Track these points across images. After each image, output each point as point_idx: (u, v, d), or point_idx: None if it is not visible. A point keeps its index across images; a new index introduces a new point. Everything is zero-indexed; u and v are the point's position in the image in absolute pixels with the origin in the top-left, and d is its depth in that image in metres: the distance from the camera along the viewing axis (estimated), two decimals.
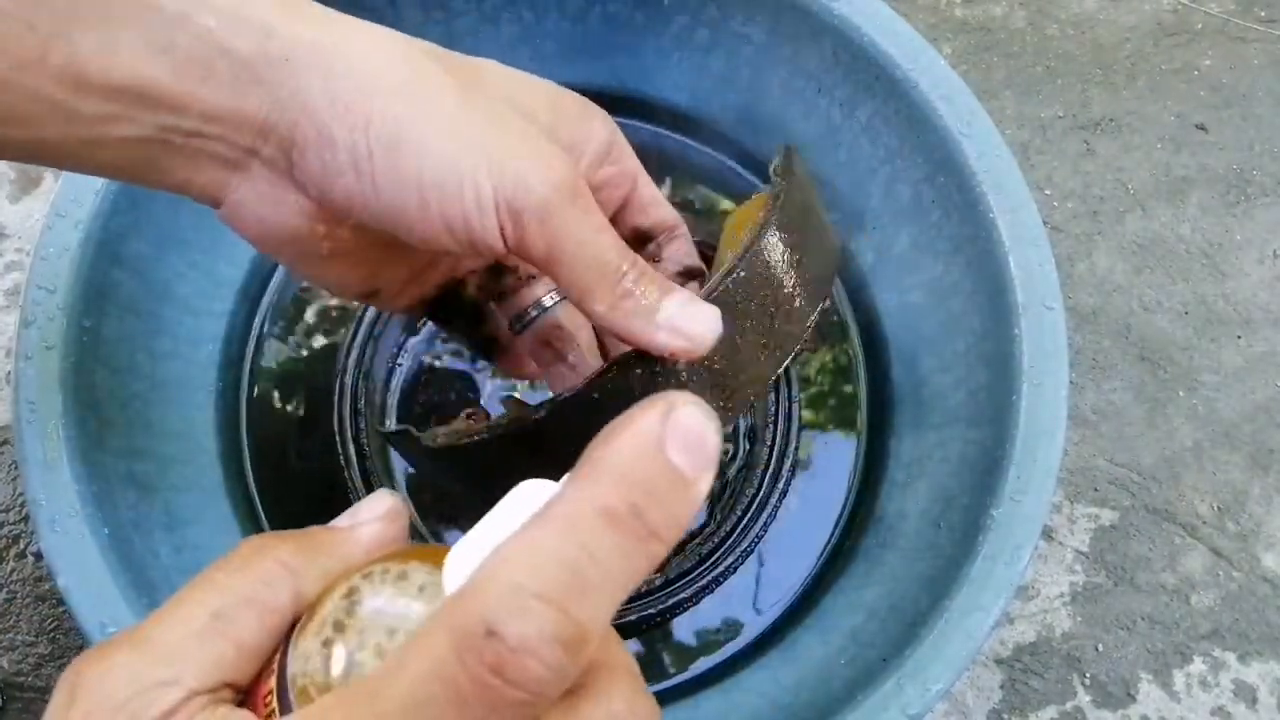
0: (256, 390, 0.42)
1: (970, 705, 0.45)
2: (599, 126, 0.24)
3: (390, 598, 0.15)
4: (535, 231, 0.20)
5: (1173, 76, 0.58)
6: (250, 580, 0.15)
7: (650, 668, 0.39)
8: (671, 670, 0.39)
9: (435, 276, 0.27)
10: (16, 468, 0.46)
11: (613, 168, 0.25)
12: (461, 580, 0.14)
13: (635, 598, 0.38)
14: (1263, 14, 0.60)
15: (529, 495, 0.15)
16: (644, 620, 0.38)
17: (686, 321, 0.21)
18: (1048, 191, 0.55)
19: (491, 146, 0.20)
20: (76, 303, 0.34)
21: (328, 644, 0.14)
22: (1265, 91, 0.58)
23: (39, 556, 0.45)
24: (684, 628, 0.40)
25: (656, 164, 0.47)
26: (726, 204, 0.47)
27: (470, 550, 0.15)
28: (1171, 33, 0.59)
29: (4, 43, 0.17)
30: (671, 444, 0.13)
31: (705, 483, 0.13)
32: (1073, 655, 0.46)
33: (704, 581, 0.38)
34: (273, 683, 0.14)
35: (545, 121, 0.22)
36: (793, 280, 0.25)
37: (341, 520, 0.17)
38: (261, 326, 0.43)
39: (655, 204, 0.27)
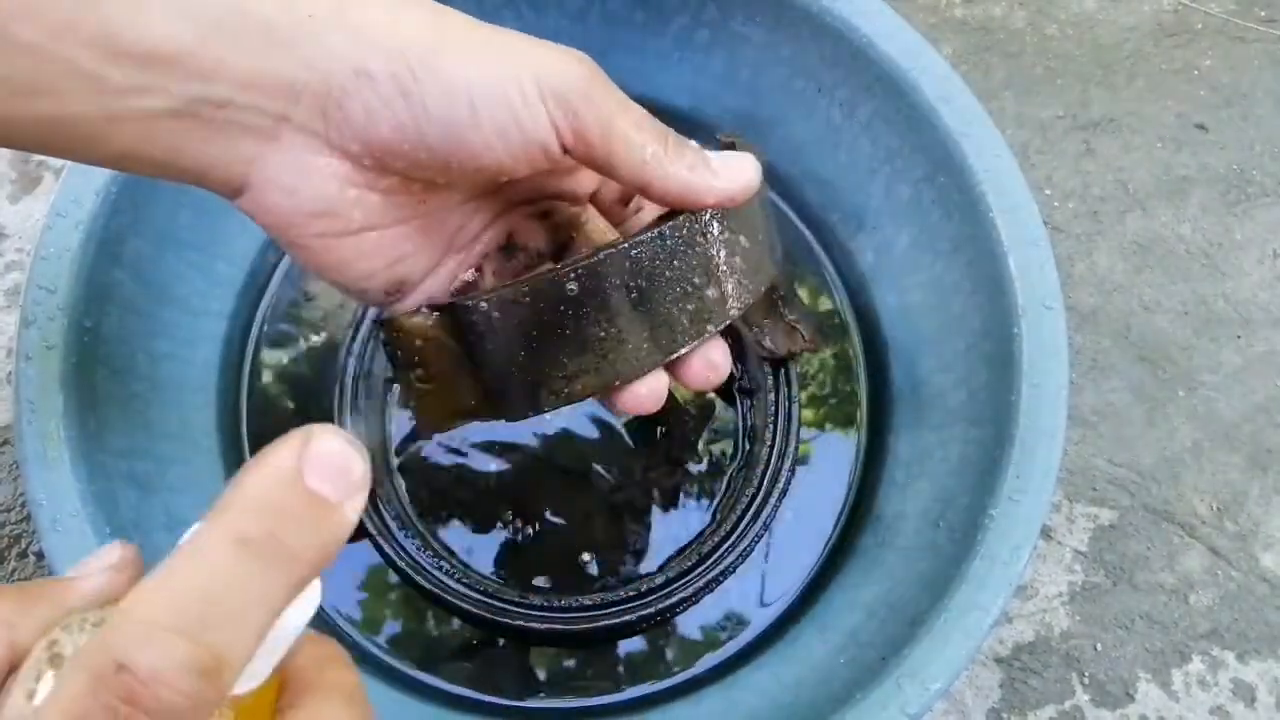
0: (256, 390, 0.42)
1: (969, 704, 0.46)
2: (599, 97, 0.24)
3: (80, 642, 0.15)
4: (585, 113, 0.21)
5: (1173, 76, 0.58)
6: None
7: (650, 666, 0.39)
8: (672, 669, 0.39)
9: (455, 264, 0.26)
10: (17, 468, 0.46)
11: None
12: None
13: (635, 597, 0.38)
14: (1263, 14, 0.60)
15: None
16: (644, 619, 0.38)
17: (735, 169, 0.23)
18: (1048, 191, 0.55)
19: (524, 51, 0.21)
20: (77, 303, 0.34)
21: (31, 694, 0.14)
22: (1265, 91, 0.58)
23: (40, 556, 0.45)
24: (684, 626, 0.40)
25: None
26: None
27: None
28: (1171, 33, 0.59)
29: (36, 8, 0.17)
30: (310, 472, 0.13)
31: (354, 506, 0.14)
32: (1071, 654, 0.46)
33: (704, 580, 0.38)
34: None
35: (559, 45, 0.23)
36: (723, 258, 0.25)
37: (71, 570, 0.17)
38: (261, 327, 0.43)
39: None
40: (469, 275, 0.26)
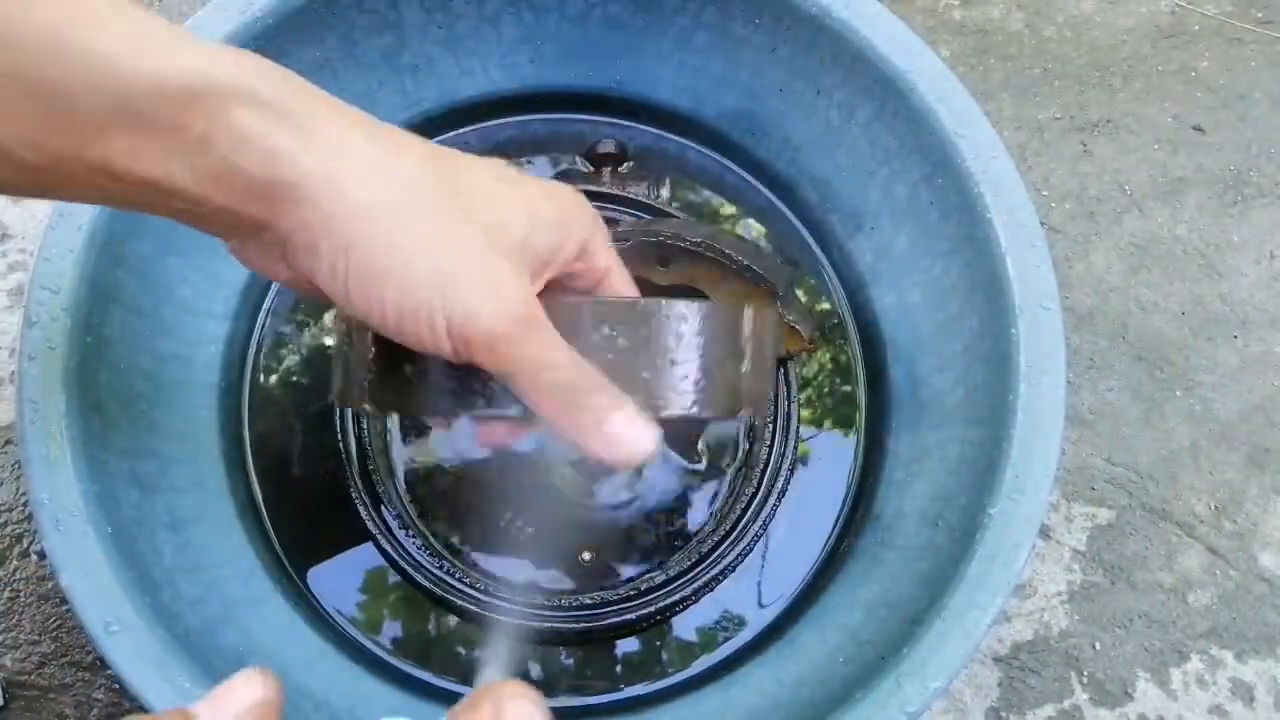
0: (258, 390, 0.42)
1: (968, 703, 0.46)
2: (575, 231, 0.26)
3: None
4: (484, 357, 0.23)
5: (1170, 78, 0.58)
6: None
7: (650, 665, 0.39)
8: (671, 668, 0.39)
9: None
10: (20, 467, 0.47)
11: (583, 264, 0.27)
12: None
13: (634, 596, 0.38)
14: (1260, 15, 0.60)
15: None
16: (644, 619, 0.38)
17: (626, 443, 0.24)
18: (1045, 192, 0.56)
19: (451, 279, 0.22)
20: (80, 303, 0.34)
21: None
22: (1262, 93, 0.58)
23: (42, 556, 0.45)
24: (684, 626, 0.40)
25: (657, 165, 0.47)
26: (726, 205, 0.47)
27: None
28: (1168, 34, 0.60)
29: (48, 140, 0.20)
30: None
31: None
32: (1070, 653, 0.47)
33: (704, 580, 0.38)
34: None
35: (519, 236, 0.24)
36: (727, 357, 0.27)
37: (206, 711, 0.17)
38: (263, 327, 0.43)
39: (622, 290, 0.29)
40: None
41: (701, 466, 0.42)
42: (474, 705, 0.15)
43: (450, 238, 0.22)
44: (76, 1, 0.19)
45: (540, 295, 0.24)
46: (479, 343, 0.22)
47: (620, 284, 0.28)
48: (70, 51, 0.19)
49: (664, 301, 0.25)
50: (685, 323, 0.25)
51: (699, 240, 0.38)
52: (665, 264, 0.40)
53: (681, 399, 0.26)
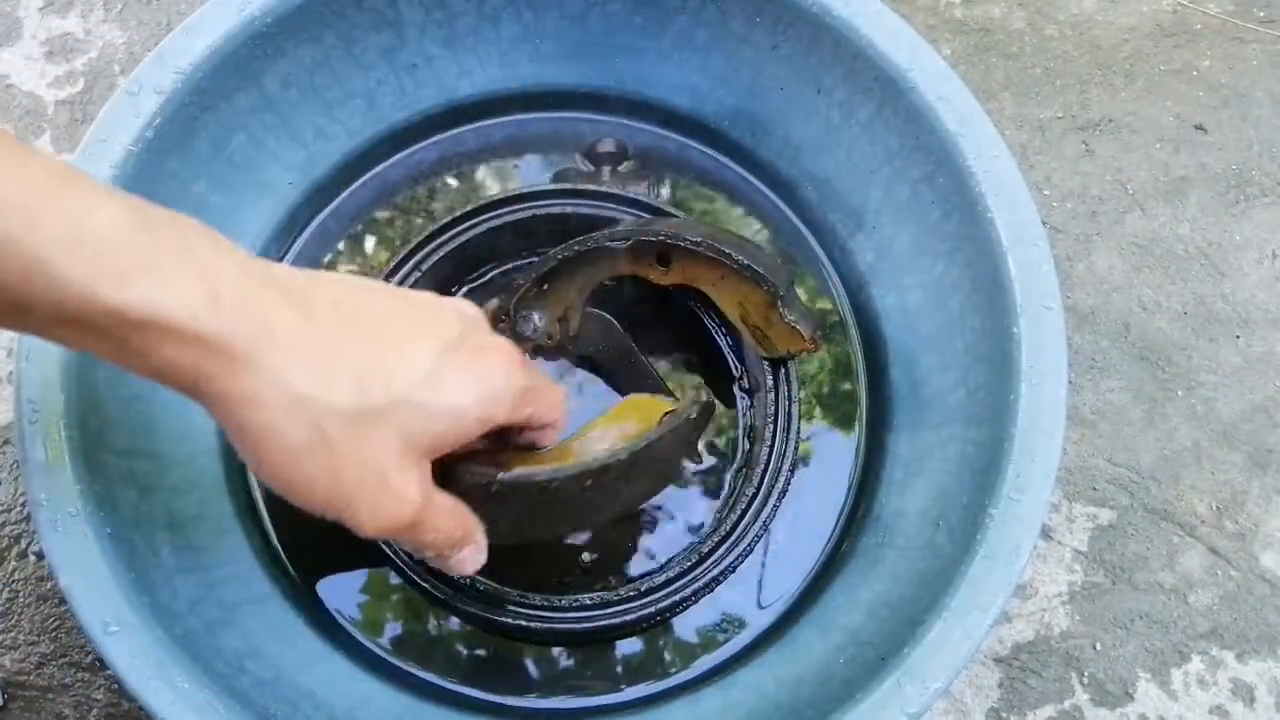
0: None
1: (969, 704, 0.46)
2: (495, 413, 0.28)
3: None
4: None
5: (1171, 77, 0.58)
6: None
7: (650, 666, 0.39)
8: (672, 668, 0.39)
9: None
10: (18, 467, 0.47)
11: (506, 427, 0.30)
12: None
13: (635, 597, 0.38)
14: (1261, 14, 0.60)
15: None
16: (644, 619, 0.38)
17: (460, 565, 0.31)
18: (1046, 192, 0.55)
19: (347, 502, 0.25)
20: None
21: None
22: (1264, 92, 0.58)
23: (41, 556, 0.45)
24: (684, 626, 0.40)
25: (657, 164, 0.47)
26: (726, 205, 0.47)
27: None
28: (1170, 33, 0.60)
29: None
30: None
31: None
32: (1071, 654, 0.47)
33: (704, 580, 0.38)
34: None
35: (426, 444, 0.26)
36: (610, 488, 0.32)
37: None
38: None
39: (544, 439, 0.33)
40: None
41: (702, 467, 0.42)
42: None
43: (352, 470, 0.25)
44: (26, 206, 0.20)
45: (447, 457, 0.28)
46: (374, 535, 0.27)
47: (546, 420, 0.31)
48: (27, 265, 0.20)
49: (561, 486, 0.30)
50: (586, 492, 0.31)
51: (699, 240, 0.38)
52: (665, 264, 0.40)
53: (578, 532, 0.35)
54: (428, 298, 0.29)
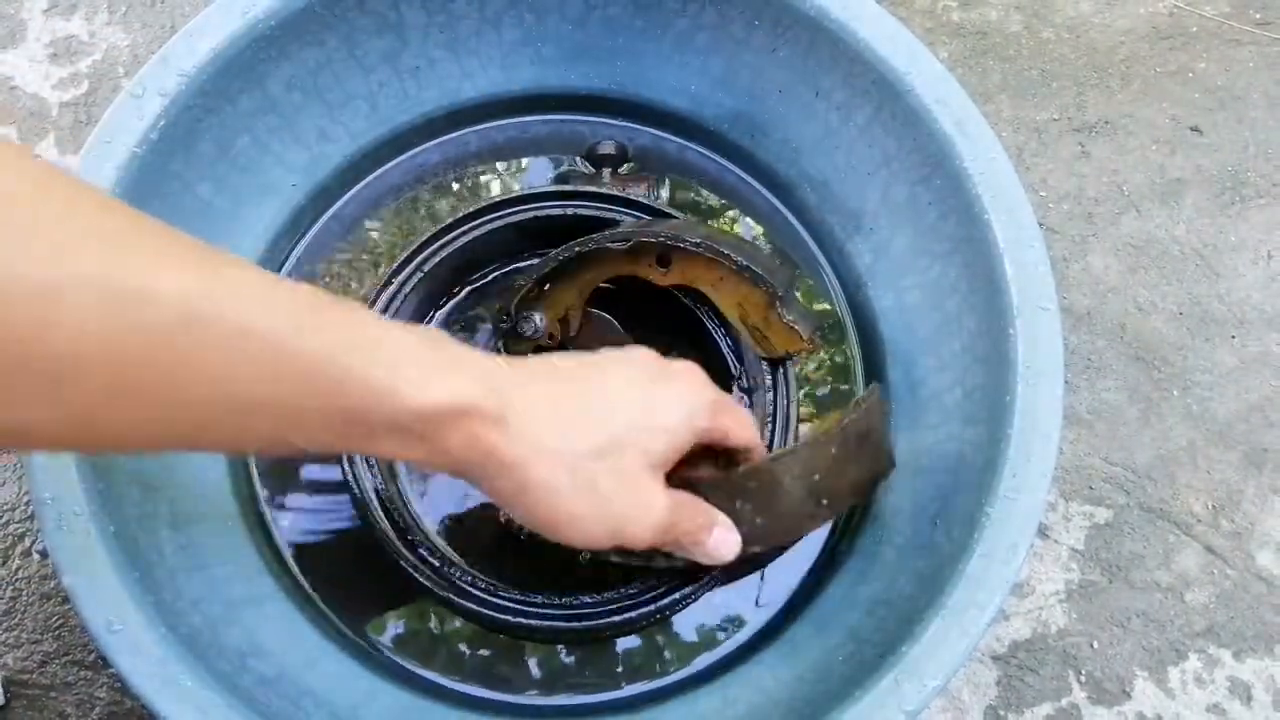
0: None
1: (967, 701, 0.46)
2: (699, 423, 0.33)
3: None
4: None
5: (1167, 79, 0.59)
6: None
7: (650, 663, 0.39)
8: (671, 666, 0.39)
9: None
10: (22, 466, 0.47)
11: (711, 438, 0.34)
12: None
13: (634, 595, 0.38)
14: (1257, 16, 0.60)
15: None
16: (644, 617, 0.38)
17: (716, 551, 0.34)
18: (1043, 193, 0.56)
19: (621, 521, 0.30)
20: None
21: None
22: (1260, 94, 0.58)
23: (44, 555, 0.46)
24: (684, 624, 0.40)
25: (657, 166, 0.47)
26: (725, 206, 0.47)
27: None
28: (1166, 36, 0.60)
29: (335, 445, 0.25)
30: None
31: None
32: (1068, 652, 0.47)
33: (704, 579, 0.38)
34: None
35: (658, 453, 0.31)
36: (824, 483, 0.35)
37: None
38: None
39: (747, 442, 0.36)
40: None
41: None
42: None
43: (615, 498, 0.30)
44: (347, 325, 0.24)
45: (681, 464, 0.32)
46: (649, 544, 0.32)
47: (743, 440, 0.35)
48: (354, 382, 0.24)
49: (786, 470, 0.34)
50: (816, 475, 0.35)
51: (698, 241, 0.39)
52: (665, 264, 0.40)
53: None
54: (613, 350, 0.33)
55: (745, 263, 0.38)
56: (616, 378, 0.31)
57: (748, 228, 0.47)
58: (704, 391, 0.33)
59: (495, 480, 0.28)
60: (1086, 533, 0.49)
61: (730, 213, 0.47)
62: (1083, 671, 0.47)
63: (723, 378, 0.44)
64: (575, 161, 0.47)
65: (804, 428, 0.41)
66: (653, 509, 0.31)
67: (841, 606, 0.38)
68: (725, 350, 0.44)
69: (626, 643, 0.40)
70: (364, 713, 0.36)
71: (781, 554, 0.40)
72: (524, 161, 0.47)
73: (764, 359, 0.40)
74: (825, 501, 0.36)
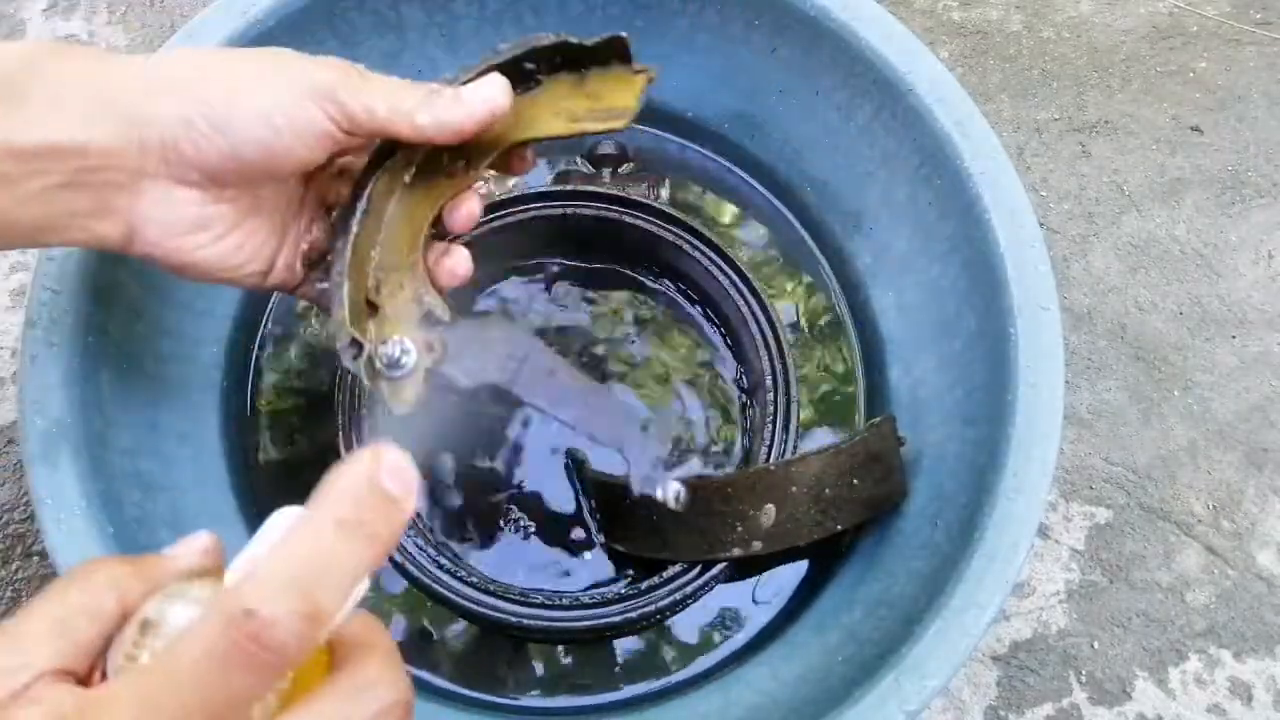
0: (260, 389, 0.43)
1: (967, 701, 0.46)
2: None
3: (181, 608, 0.19)
4: (348, 99, 0.27)
5: (1168, 79, 0.59)
6: (85, 592, 0.20)
7: (650, 664, 0.39)
8: (672, 667, 0.39)
9: (295, 234, 0.32)
10: (22, 467, 0.47)
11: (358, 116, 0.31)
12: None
13: (636, 595, 0.38)
14: (1258, 16, 0.60)
15: (287, 518, 0.20)
16: (645, 617, 0.38)
17: (480, 93, 0.29)
18: (1044, 193, 0.56)
19: (294, 71, 0.28)
20: (82, 304, 0.34)
21: (137, 643, 0.19)
22: (1260, 93, 0.58)
23: (44, 555, 0.46)
24: (684, 625, 0.40)
25: (657, 166, 0.47)
26: (727, 205, 0.47)
27: (240, 567, 0.20)
28: (1166, 36, 0.60)
29: None
30: (383, 475, 0.18)
31: (410, 503, 0.18)
32: (1069, 652, 0.47)
33: (704, 579, 0.38)
34: (97, 675, 0.19)
35: (302, 55, 0.29)
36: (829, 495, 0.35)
37: (170, 549, 0.22)
38: (264, 326, 0.43)
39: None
40: (309, 237, 0.32)
41: (703, 467, 0.42)
42: (358, 452, 0.18)
43: (270, 62, 0.28)
44: None
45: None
46: (340, 88, 0.27)
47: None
48: None
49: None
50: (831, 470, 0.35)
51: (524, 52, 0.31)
52: (463, 155, 0.31)
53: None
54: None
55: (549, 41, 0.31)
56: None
57: (747, 227, 0.47)
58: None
59: (155, 102, 0.26)
60: (1087, 533, 0.49)
61: (731, 212, 0.47)
62: (1083, 672, 0.47)
63: (723, 378, 0.44)
64: (575, 161, 0.47)
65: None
66: (332, 62, 0.28)
67: (842, 607, 0.38)
68: (726, 351, 0.44)
69: (626, 644, 0.40)
70: None
71: (783, 556, 0.40)
72: None
73: (609, 131, 0.32)
74: (831, 513, 0.36)
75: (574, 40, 0.32)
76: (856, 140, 0.42)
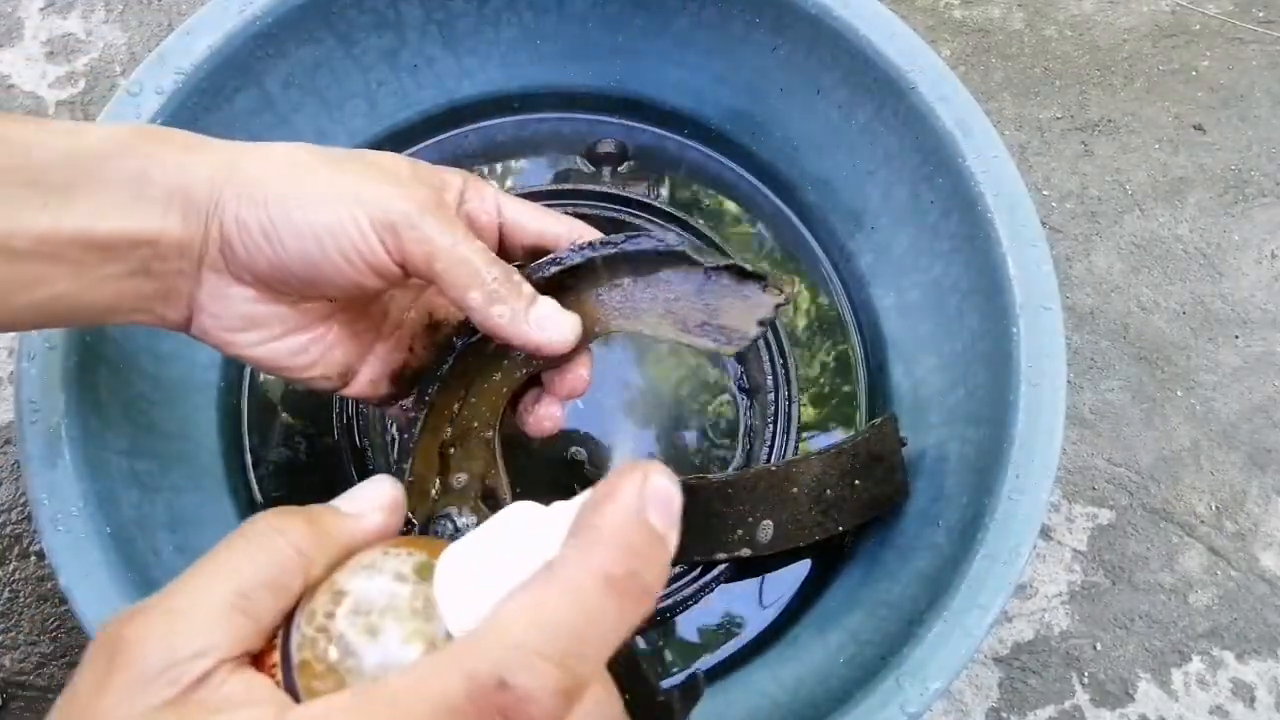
0: (258, 391, 0.42)
1: (969, 703, 0.46)
2: (453, 174, 0.29)
3: (381, 584, 0.17)
4: (409, 238, 0.26)
5: (1170, 78, 0.58)
6: (269, 564, 0.17)
7: (651, 665, 0.39)
8: (673, 668, 0.39)
9: (385, 349, 0.31)
10: (19, 467, 0.47)
11: (473, 201, 0.30)
12: (454, 594, 0.16)
13: None
14: (1260, 15, 0.60)
15: (521, 520, 0.17)
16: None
17: (549, 324, 0.27)
18: (1046, 192, 0.55)
19: (361, 190, 0.26)
20: None
21: (324, 628, 0.16)
22: (1263, 92, 0.58)
23: (42, 556, 0.45)
24: (685, 625, 0.40)
25: (657, 165, 0.47)
26: (727, 204, 0.47)
27: (460, 562, 0.17)
28: (1169, 34, 0.60)
29: (25, 224, 0.23)
30: (651, 509, 0.15)
31: (675, 536, 0.16)
32: (1071, 654, 0.47)
33: (705, 580, 0.38)
34: (276, 655, 0.17)
35: (406, 175, 0.28)
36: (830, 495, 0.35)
37: (345, 504, 0.19)
38: None
39: (531, 219, 0.31)
40: (402, 355, 0.31)
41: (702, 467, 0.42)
42: (622, 473, 0.15)
43: (349, 170, 0.26)
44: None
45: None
46: (401, 224, 0.25)
47: (517, 208, 0.30)
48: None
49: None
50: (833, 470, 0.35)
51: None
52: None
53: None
54: None
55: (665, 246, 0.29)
56: (362, 152, 0.27)
57: (747, 227, 0.47)
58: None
59: (218, 192, 0.26)
60: (1089, 534, 0.49)
61: (731, 211, 0.47)
62: (1085, 673, 0.46)
63: (723, 378, 0.43)
64: (575, 160, 0.47)
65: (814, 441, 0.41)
66: (407, 187, 0.26)
67: (843, 608, 0.38)
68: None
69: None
70: None
71: (784, 557, 0.40)
72: (523, 160, 0.47)
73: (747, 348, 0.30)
74: (833, 514, 0.35)
75: (707, 262, 0.28)
76: (858, 139, 0.42)
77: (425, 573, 0.17)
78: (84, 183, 0.24)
